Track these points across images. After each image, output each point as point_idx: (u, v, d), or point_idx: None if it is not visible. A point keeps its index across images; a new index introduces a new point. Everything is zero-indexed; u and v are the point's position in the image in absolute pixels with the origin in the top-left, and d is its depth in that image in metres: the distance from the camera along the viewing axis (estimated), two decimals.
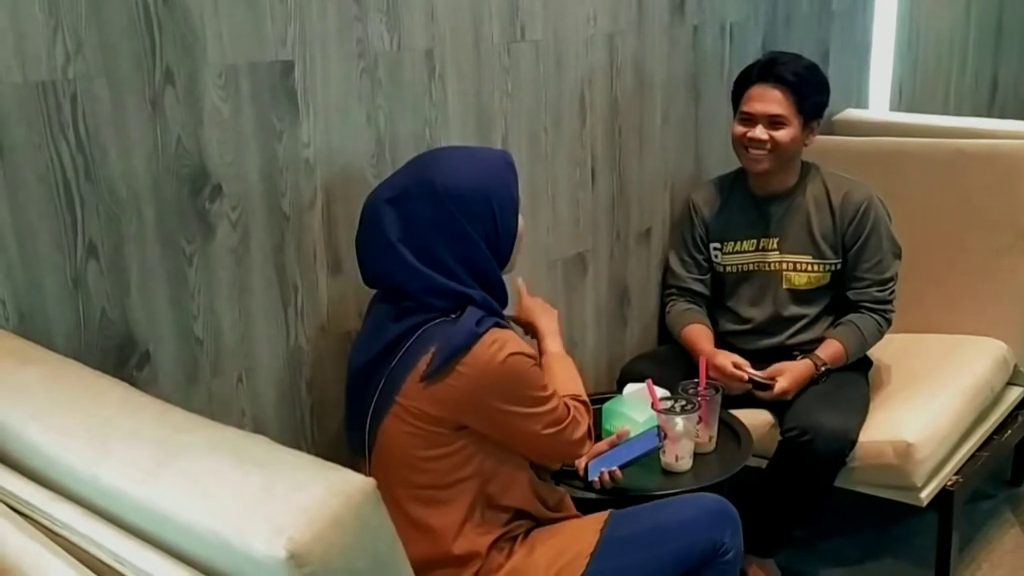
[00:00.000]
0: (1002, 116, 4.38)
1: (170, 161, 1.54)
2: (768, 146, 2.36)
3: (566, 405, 1.73)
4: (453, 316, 1.60)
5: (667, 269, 2.64)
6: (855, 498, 2.33)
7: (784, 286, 2.46)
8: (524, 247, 1.78)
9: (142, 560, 0.99)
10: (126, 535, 1.02)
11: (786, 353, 2.42)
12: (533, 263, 2.22)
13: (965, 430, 2.45)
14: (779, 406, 2.33)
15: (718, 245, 2.53)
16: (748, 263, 2.49)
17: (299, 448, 1.73)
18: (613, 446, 1.94)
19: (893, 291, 2.43)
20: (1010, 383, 2.71)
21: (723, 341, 2.50)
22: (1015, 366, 2.70)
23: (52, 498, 1.09)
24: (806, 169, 2.48)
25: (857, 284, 2.43)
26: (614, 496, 1.89)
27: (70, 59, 1.40)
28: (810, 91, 2.38)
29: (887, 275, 2.41)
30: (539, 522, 1.76)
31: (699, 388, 2.13)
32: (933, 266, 2.75)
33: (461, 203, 1.60)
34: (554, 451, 1.76)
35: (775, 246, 2.46)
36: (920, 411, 2.33)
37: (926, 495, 2.28)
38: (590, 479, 1.89)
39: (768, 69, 2.38)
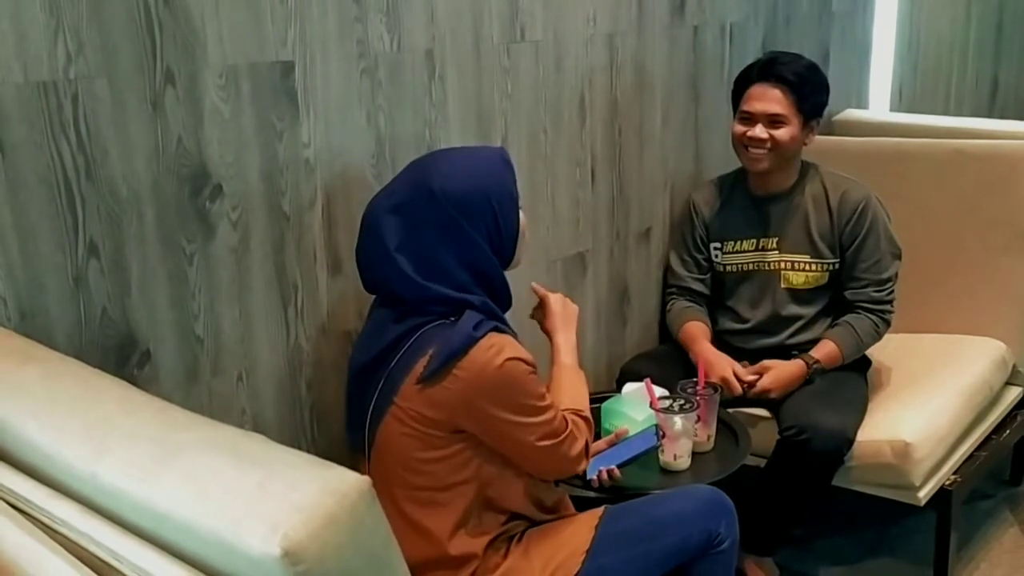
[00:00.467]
0: (1003, 117, 4.37)
1: (171, 161, 1.55)
2: (768, 145, 2.36)
3: (565, 419, 1.69)
4: (452, 319, 1.60)
5: (668, 269, 2.65)
6: (854, 497, 2.33)
7: (783, 286, 2.46)
8: (528, 242, 1.77)
9: (139, 558, 0.99)
10: (124, 533, 1.03)
11: (785, 353, 2.42)
12: (533, 263, 2.22)
13: (963, 430, 2.45)
14: (777, 405, 2.33)
15: (718, 245, 2.53)
16: (748, 263, 2.50)
17: (299, 447, 1.76)
18: (612, 445, 1.95)
19: (892, 292, 2.42)
20: (1009, 383, 2.71)
21: (723, 340, 2.51)
22: (1014, 366, 2.70)
23: (51, 495, 1.09)
24: (805, 169, 2.48)
25: (855, 284, 2.43)
26: (612, 495, 1.89)
27: (71, 59, 1.41)
28: (810, 91, 2.38)
29: (885, 276, 2.41)
30: (535, 522, 1.75)
31: (698, 387, 2.13)
32: (932, 266, 2.75)
33: (461, 205, 1.60)
34: (548, 465, 1.71)
35: (774, 246, 2.47)
36: (918, 411, 2.33)
37: (924, 494, 2.28)
38: (588, 477, 1.89)
39: (768, 68, 2.38)
